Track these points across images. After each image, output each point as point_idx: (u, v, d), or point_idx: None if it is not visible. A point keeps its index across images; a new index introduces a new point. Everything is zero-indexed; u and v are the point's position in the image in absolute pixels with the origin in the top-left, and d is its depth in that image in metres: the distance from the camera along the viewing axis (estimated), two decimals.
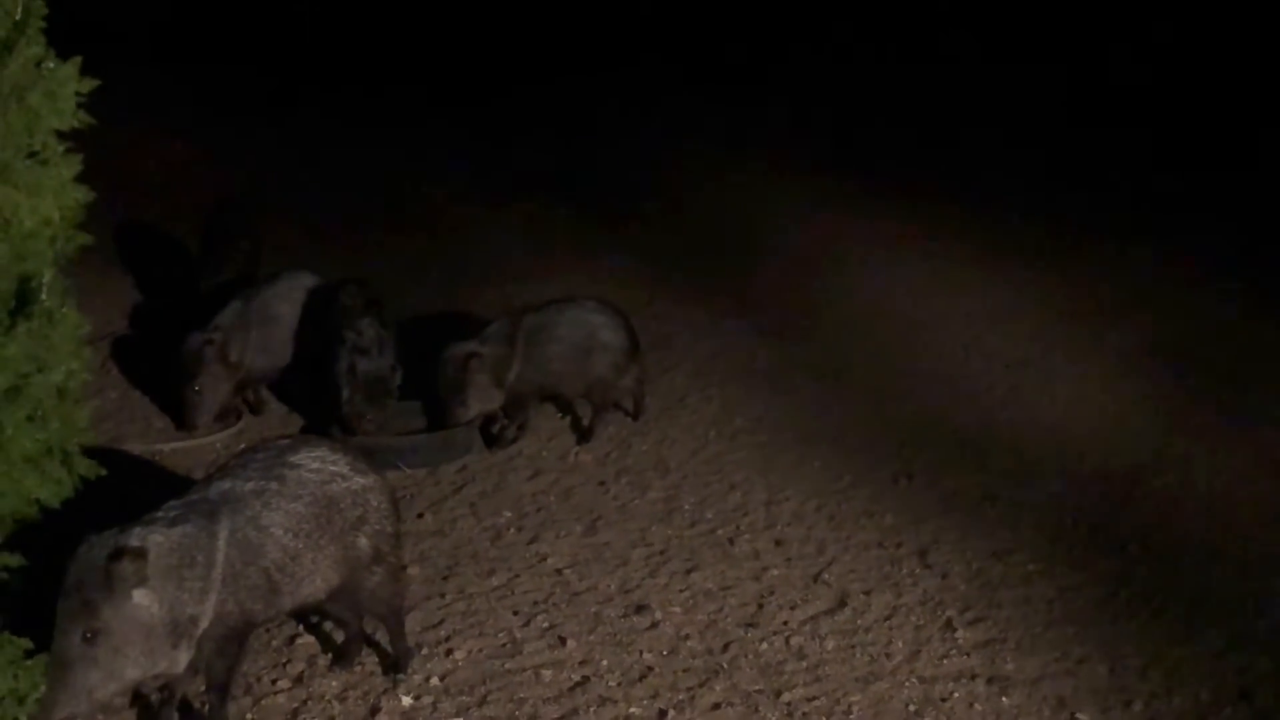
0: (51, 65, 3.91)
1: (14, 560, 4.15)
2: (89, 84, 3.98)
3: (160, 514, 4.55)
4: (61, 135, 4.02)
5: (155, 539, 4.41)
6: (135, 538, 4.35)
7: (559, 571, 5.89)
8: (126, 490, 5.27)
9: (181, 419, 7.03)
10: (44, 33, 3.95)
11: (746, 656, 5.27)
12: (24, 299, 4.21)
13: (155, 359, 7.47)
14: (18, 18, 3.85)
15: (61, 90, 3.90)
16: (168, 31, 12.99)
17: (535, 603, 5.64)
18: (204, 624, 4.52)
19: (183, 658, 4.48)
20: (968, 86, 12.22)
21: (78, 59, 3.98)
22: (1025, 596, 5.60)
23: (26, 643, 4.02)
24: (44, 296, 4.23)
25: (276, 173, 10.51)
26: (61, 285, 4.36)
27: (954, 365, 7.73)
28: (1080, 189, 10.30)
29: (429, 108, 12.05)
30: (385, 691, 5.06)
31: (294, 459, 4.92)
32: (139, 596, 4.31)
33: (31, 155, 3.91)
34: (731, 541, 6.09)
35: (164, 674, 4.50)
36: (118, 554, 4.24)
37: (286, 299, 7.32)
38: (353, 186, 10.38)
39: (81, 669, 4.20)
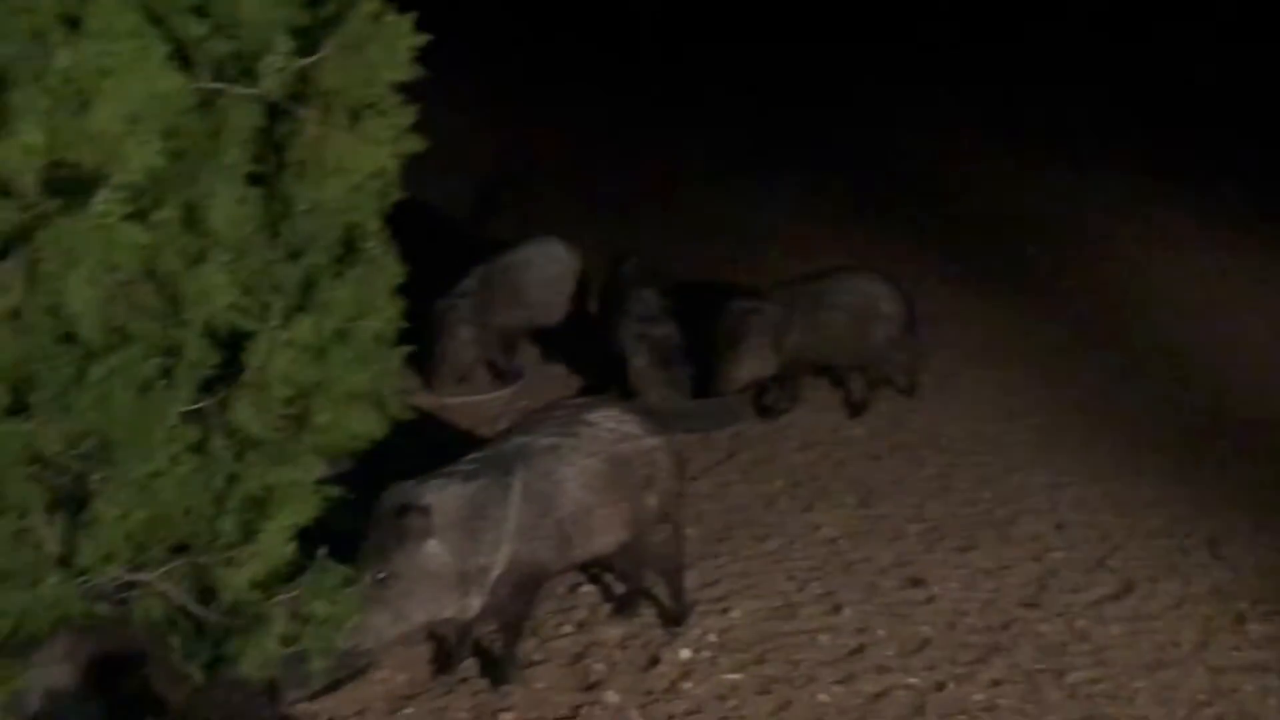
0: (389, 19, 4.10)
1: (335, 491, 4.39)
2: (423, 38, 4.16)
3: (459, 467, 4.75)
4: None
5: (447, 494, 4.61)
6: (427, 493, 4.56)
7: (833, 541, 5.90)
8: (426, 436, 5.52)
9: (429, 379, 7.22)
10: None
11: (1027, 636, 5.20)
12: (351, 246, 4.44)
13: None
14: None
15: (399, 43, 4.09)
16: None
17: (810, 569, 5.67)
18: (496, 572, 4.70)
19: (474, 603, 4.68)
20: None
21: (413, 14, 4.16)
22: None
23: (347, 571, 4.25)
24: (370, 244, 4.46)
25: (556, 145, 10.72)
26: (385, 234, 4.58)
27: (1250, 353, 7.41)
28: None
29: (697, 79, 12.08)
30: (664, 644, 5.17)
31: (589, 417, 5.06)
32: (430, 547, 4.53)
33: (369, 106, 4.11)
34: (1010, 522, 6.00)
35: (455, 618, 4.71)
36: (405, 509, 4.47)
37: (532, 265, 7.46)
38: (627, 160, 10.51)
39: (373, 609, 4.44)
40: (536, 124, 11.09)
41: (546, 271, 7.42)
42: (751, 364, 6.93)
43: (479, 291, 7.29)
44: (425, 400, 7.14)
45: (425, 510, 4.51)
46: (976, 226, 9.38)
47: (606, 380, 7.13)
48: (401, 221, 5.83)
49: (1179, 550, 5.72)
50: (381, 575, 4.46)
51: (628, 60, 12.37)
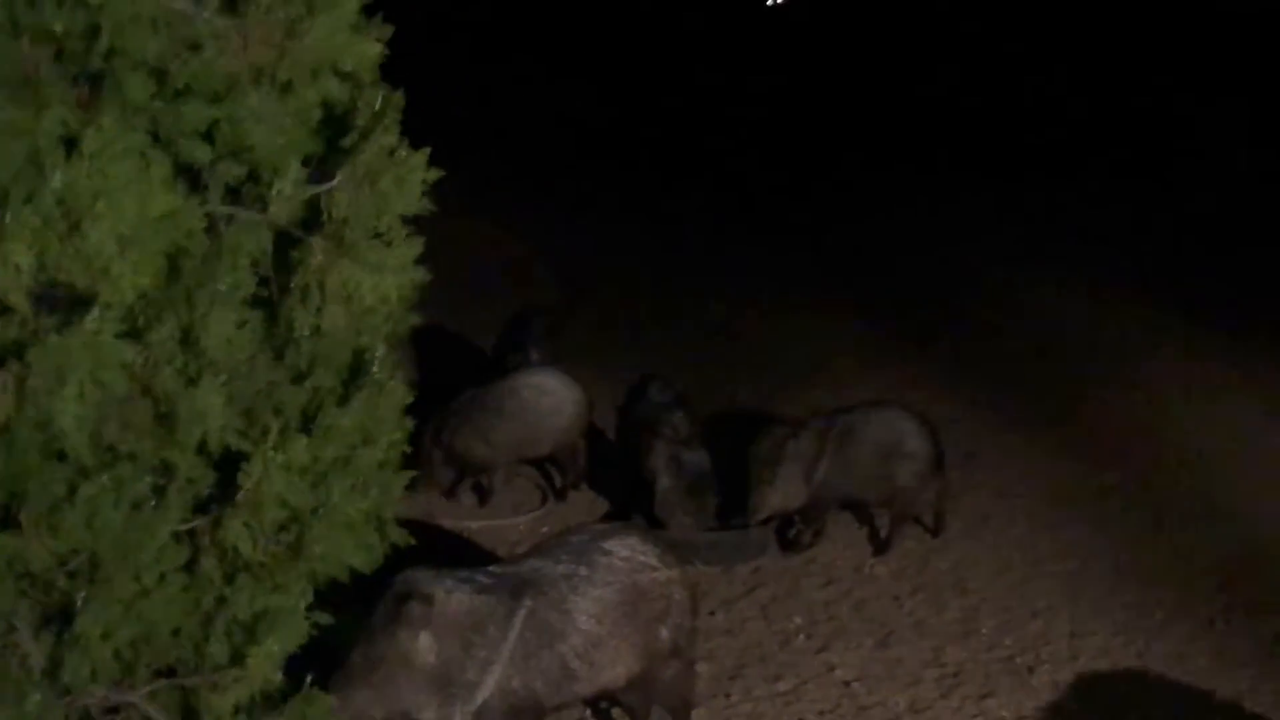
0: (403, 154, 4.15)
1: (325, 618, 4.34)
2: (435, 173, 4.21)
3: (473, 576, 4.73)
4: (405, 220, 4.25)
5: (454, 597, 4.59)
6: (437, 586, 4.56)
7: (847, 684, 5.79)
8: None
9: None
10: (399, 124, 4.21)
11: None
12: (357, 372, 4.45)
13: None
14: (376, 108, 4.12)
15: (410, 177, 4.13)
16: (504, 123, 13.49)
17: (821, 712, 5.57)
18: (481, 695, 4.63)
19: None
20: None
21: (427, 150, 4.21)
22: None
23: (332, 700, 4.20)
24: (376, 369, 4.46)
25: (589, 270, 10.75)
26: (392, 359, 4.59)
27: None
28: None
29: (723, 209, 12.10)
30: None
31: (606, 545, 5.02)
32: (422, 639, 4.52)
33: (377, 236, 4.15)
34: (1030, 670, 5.86)
35: None
36: (409, 595, 4.50)
37: (515, 395, 7.40)
38: (656, 286, 10.51)
39: (353, 686, 4.48)
40: (582, 251, 11.14)
41: (533, 405, 7.35)
42: (782, 493, 6.88)
43: (452, 421, 7.25)
44: (447, 522, 7.14)
45: (428, 600, 4.50)
46: (1017, 358, 9.27)
47: (631, 506, 7.08)
48: (425, 344, 5.86)
49: (1203, 709, 5.53)
50: (369, 656, 4.49)
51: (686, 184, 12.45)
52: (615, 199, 12.08)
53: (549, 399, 7.34)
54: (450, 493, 7.40)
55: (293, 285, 4.09)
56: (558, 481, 7.59)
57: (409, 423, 4.70)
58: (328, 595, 4.44)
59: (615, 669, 4.97)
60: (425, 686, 4.56)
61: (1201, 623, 6.18)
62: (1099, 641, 6.07)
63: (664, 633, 5.05)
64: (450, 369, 7.85)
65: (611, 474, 7.50)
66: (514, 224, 11.37)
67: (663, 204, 12.00)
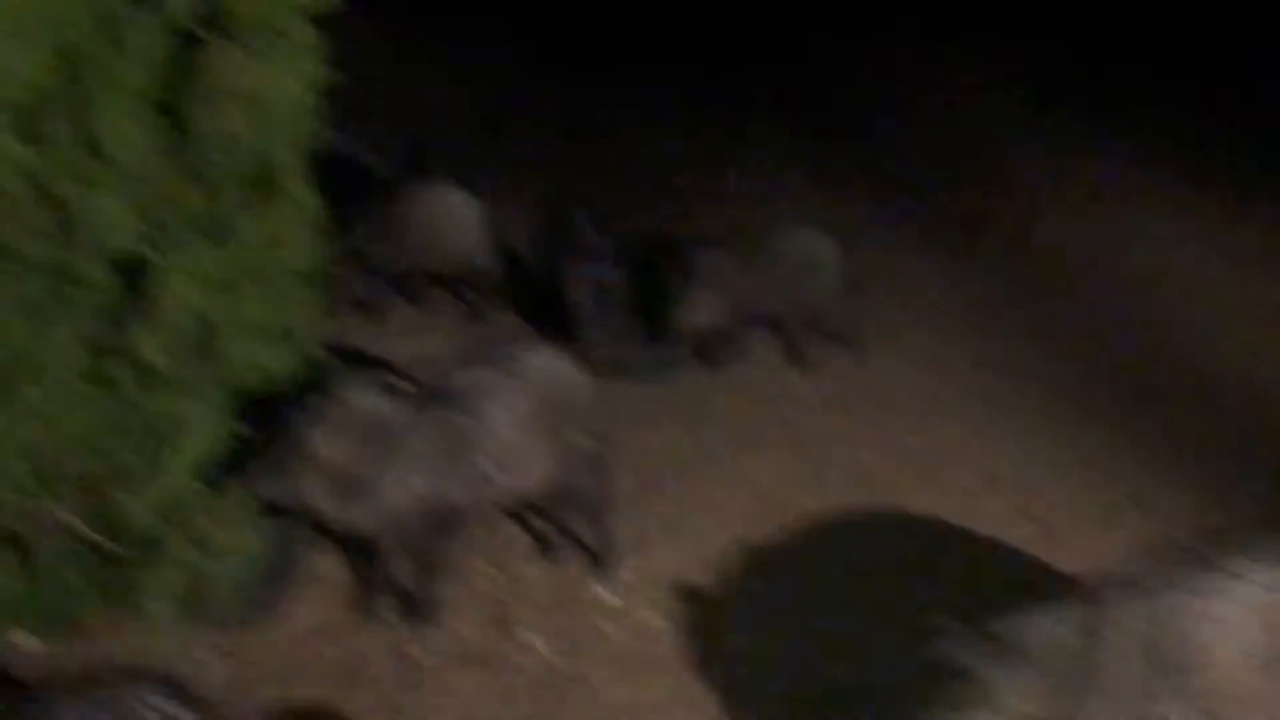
0: None
1: (242, 428, 4.37)
2: None
3: (387, 381, 4.83)
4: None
5: (364, 398, 4.69)
6: (344, 385, 4.69)
7: (764, 489, 5.91)
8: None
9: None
10: None
11: None
12: (265, 180, 4.40)
13: None
14: None
15: None
16: None
17: (738, 515, 5.68)
18: (388, 497, 4.73)
19: (348, 516, 4.74)
20: None
21: None
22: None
23: (250, 499, 4.26)
24: (284, 178, 4.42)
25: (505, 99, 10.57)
26: (300, 168, 4.54)
27: (1193, 317, 7.34)
28: None
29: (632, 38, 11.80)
30: (586, 585, 5.18)
31: (520, 354, 5.07)
32: (325, 436, 4.64)
33: (280, 35, 4.06)
34: (939, 471, 6.03)
35: (327, 515, 4.78)
36: (318, 393, 4.64)
37: (418, 207, 7.32)
38: (571, 113, 10.34)
39: (260, 478, 4.57)
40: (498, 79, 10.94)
41: (435, 216, 7.33)
42: (702, 312, 6.93)
43: (362, 231, 7.24)
44: (361, 342, 7.12)
45: (337, 399, 4.57)
46: (938, 182, 9.29)
47: (547, 327, 7.11)
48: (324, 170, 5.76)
49: (1103, 503, 5.73)
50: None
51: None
52: (528, 32, 11.85)
53: (452, 211, 7.32)
54: (368, 313, 7.40)
55: (194, 87, 4.01)
56: (474, 305, 7.59)
57: (319, 236, 4.68)
58: (249, 406, 4.48)
59: (531, 475, 5.04)
60: (328, 483, 4.64)
61: (1103, 429, 6.34)
62: (1005, 445, 6.23)
63: (579, 439, 5.12)
64: (359, 190, 7.74)
65: (529, 298, 7.51)
66: (427, 46, 11.12)
67: (584, 35, 11.76)
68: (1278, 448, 6.08)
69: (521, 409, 4.96)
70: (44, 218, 3.65)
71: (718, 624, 4.99)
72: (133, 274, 3.99)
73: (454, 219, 7.35)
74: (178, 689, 2.76)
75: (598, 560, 5.30)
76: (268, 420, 4.56)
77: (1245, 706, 3.61)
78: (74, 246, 3.73)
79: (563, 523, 5.38)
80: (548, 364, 5.11)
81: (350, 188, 7.54)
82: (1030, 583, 4.82)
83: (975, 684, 3.51)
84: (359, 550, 5.12)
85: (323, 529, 4.95)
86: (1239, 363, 6.86)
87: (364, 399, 4.74)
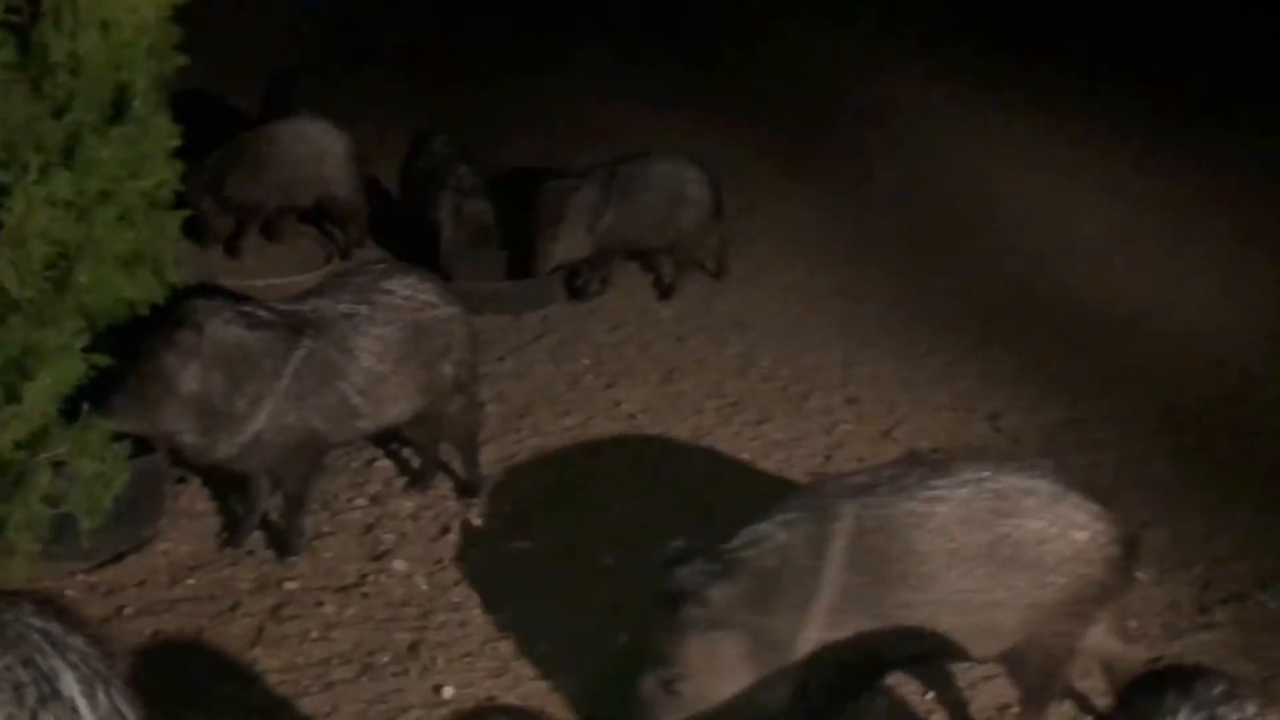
0: None
1: (103, 359, 4.31)
2: None
3: (254, 311, 4.76)
4: None
5: (230, 329, 4.65)
6: (208, 314, 4.60)
7: (633, 416, 5.99)
8: None
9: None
10: None
11: None
12: (119, 106, 4.33)
13: None
14: None
15: None
16: None
17: (608, 442, 5.75)
18: (251, 428, 4.69)
19: (216, 448, 4.71)
20: None
21: None
22: (1094, 463, 5.57)
23: (112, 428, 4.20)
24: (138, 104, 4.34)
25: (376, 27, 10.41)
26: (156, 96, 4.47)
27: (1043, 244, 7.57)
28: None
29: None
30: (457, 515, 5.22)
31: (387, 285, 5.03)
32: (186, 366, 4.56)
33: None
34: (804, 398, 6.14)
35: (191, 447, 4.74)
36: (180, 322, 4.56)
37: (277, 139, 7.29)
38: (437, 43, 10.22)
39: (122, 407, 4.51)
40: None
41: (293, 149, 7.25)
42: (566, 245, 6.95)
43: (220, 165, 7.14)
44: (229, 281, 7.03)
45: (199, 328, 4.52)
46: (804, 112, 9.38)
47: (414, 258, 7.07)
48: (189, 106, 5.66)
49: (961, 423, 5.91)
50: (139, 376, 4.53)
51: None
52: None
53: (311, 144, 7.24)
54: (232, 249, 7.30)
55: (45, 9, 3.92)
56: (341, 240, 7.52)
57: (178, 164, 4.62)
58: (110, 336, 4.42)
59: (399, 405, 5.04)
60: (190, 413, 4.59)
61: (963, 350, 6.51)
62: (868, 370, 6.36)
63: (447, 368, 5.12)
64: (220, 124, 7.62)
65: (394, 231, 7.47)
66: None
67: None
68: (1138, 378, 6.27)
69: (389, 338, 4.95)
70: None
71: (583, 546, 5.04)
72: None
73: (315, 150, 7.27)
74: (60, 610, 2.72)
75: (469, 491, 5.33)
76: (129, 350, 4.50)
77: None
78: None
79: (432, 452, 5.39)
80: (416, 293, 5.09)
81: (209, 121, 7.45)
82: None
83: (698, 601, 3.64)
84: (225, 482, 5.09)
85: (188, 461, 4.91)
86: (1102, 292, 7.06)
87: (227, 329, 4.69)
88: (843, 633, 3.73)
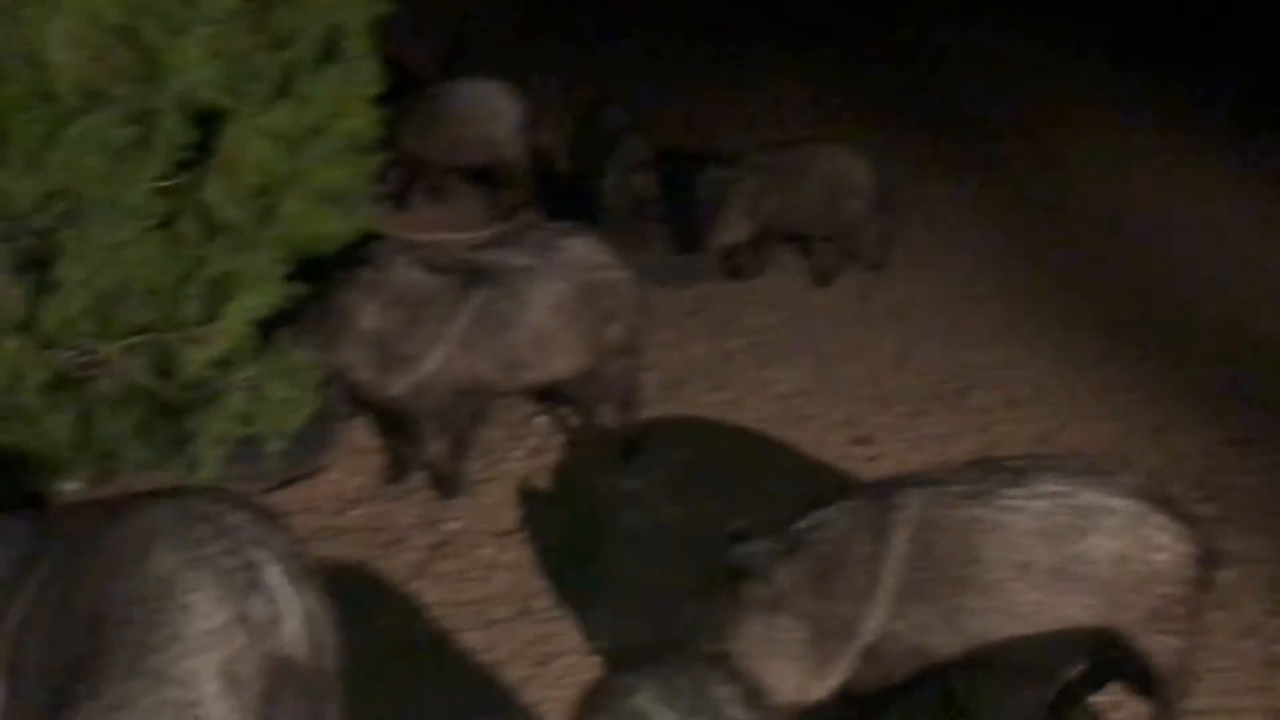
0: None
1: (299, 287, 4.44)
2: None
3: (435, 257, 4.93)
4: None
5: (410, 271, 4.80)
6: (392, 256, 4.82)
7: (785, 397, 6.01)
8: None
9: None
10: None
11: None
12: (333, 45, 4.46)
13: None
14: None
15: None
16: None
17: (760, 420, 5.78)
18: (423, 370, 4.84)
19: (391, 383, 4.87)
20: None
21: None
22: (1260, 484, 5.47)
23: (306, 356, 4.35)
24: (350, 45, 4.47)
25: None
26: (367, 40, 4.59)
27: (1210, 267, 7.42)
28: None
29: None
30: (612, 473, 5.28)
31: (564, 242, 5.12)
32: (366, 303, 4.78)
33: None
34: (962, 395, 6.11)
35: (366, 384, 4.91)
36: (364, 261, 4.79)
37: (451, 99, 7.41)
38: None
39: (301, 338, 4.64)
40: None
41: (467, 109, 7.37)
42: (727, 230, 6.99)
43: (396, 120, 7.26)
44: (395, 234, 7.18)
45: (382, 269, 4.71)
46: (973, 111, 9.33)
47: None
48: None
49: (1123, 435, 5.82)
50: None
51: None
52: None
53: (485, 105, 7.35)
54: (401, 202, 7.44)
55: None
56: (505, 202, 7.63)
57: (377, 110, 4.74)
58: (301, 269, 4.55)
59: (564, 361, 5.13)
60: (365, 349, 4.74)
61: (1127, 363, 6.42)
62: (1029, 374, 6.30)
63: (614, 330, 5.19)
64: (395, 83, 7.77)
65: (562, 198, 7.56)
66: None
67: None
68: None
69: (562, 294, 5.03)
70: (129, 60, 3.69)
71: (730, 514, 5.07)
72: (207, 125, 4.04)
73: (487, 111, 7.38)
74: (264, 511, 2.85)
75: (626, 452, 5.39)
76: (316, 285, 4.64)
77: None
78: (156, 91, 3.78)
79: (590, 410, 5.46)
80: (590, 253, 5.17)
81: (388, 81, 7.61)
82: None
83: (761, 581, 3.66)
84: (394, 421, 5.23)
85: (359, 397, 5.05)
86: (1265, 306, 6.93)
87: (408, 272, 4.82)
88: (899, 625, 3.71)
